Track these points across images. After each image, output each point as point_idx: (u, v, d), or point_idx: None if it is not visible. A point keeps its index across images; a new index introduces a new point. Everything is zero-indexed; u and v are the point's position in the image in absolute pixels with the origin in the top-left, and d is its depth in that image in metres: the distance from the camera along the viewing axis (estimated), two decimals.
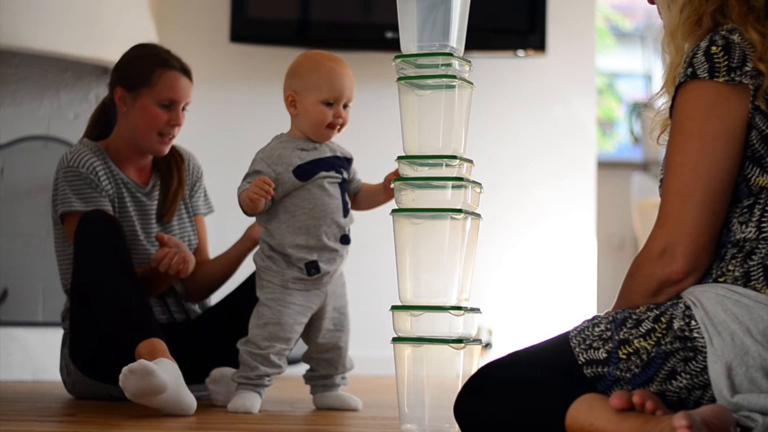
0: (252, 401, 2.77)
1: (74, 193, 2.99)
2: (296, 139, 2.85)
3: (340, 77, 2.82)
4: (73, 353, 2.99)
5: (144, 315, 2.75)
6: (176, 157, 3.18)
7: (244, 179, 2.82)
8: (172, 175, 3.16)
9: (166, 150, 3.10)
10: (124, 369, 2.52)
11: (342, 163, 2.87)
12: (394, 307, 2.33)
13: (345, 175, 2.87)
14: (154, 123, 3.04)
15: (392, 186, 2.39)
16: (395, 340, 2.32)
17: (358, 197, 2.93)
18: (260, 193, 2.72)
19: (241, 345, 2.84)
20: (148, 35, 4.25)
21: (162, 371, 2.54)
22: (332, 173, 2.84)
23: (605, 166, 6.21)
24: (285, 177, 2.80)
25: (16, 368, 3.93)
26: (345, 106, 2.84)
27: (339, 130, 2.85)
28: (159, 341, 2.68)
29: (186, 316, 3.16)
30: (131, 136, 3.08)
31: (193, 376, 3.10)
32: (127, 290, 2.77)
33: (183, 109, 3.08)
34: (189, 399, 2.61)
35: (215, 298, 3.24)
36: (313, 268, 2.80)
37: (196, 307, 3.22)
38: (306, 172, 2.81)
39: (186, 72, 3.10)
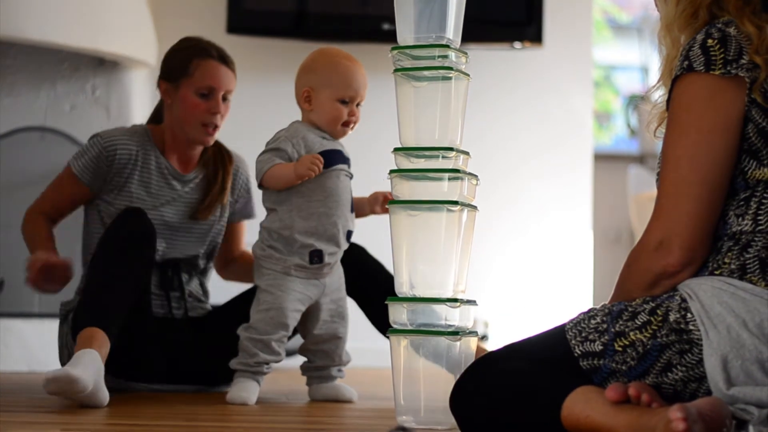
0: (249, 392, 2.77)
1: (83, 156, 3.06)
2: (316, 128, 2.85)
3: (356, 77, 2.83)
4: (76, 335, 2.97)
5: (109, 304, 2.73)
6: (225, 159, 3.17)
7: (264, 153, 2.81)
8: (217, 178, 3.15)
9: (211, 141, 3.10)
10: (48, 374, 2.49)
11: (349, 160, 2.88)
12: (390, 299, 2.33)
13: (351, 172, 2.88)
14: (194, 112, 3.05)
15: (388, 205, 2.38)
16: (391, 331, 2.32)
17: None
18: (313, 170, 2.72)
19: (242, 331, 2.83)
20: (145, 26, 4.24)
21: (84, 373, 2.50)
22: (346, 167, 2.85)
23: (602, 158, 6.21)
24: None
25: (12, 359, 3.93)
26: (357, 105, 2.85)
27: (352, 128, 2.86)
28: (100, 332, 2.66)
29: (185, 313, 3.14)
30: (177, 128, 3.10)
31: (189, 374, 3.09)
32: (111, 280, 2.77)
33: (224, 98, 3.09)
34: (103, 395, 2.56)
35: (225, 297, 3.22)
36: (316, 256, 2.80)
37: (207, 305, 3.20)
38: (328, 159, 2.80)
39: (225, 60, 3.10)
